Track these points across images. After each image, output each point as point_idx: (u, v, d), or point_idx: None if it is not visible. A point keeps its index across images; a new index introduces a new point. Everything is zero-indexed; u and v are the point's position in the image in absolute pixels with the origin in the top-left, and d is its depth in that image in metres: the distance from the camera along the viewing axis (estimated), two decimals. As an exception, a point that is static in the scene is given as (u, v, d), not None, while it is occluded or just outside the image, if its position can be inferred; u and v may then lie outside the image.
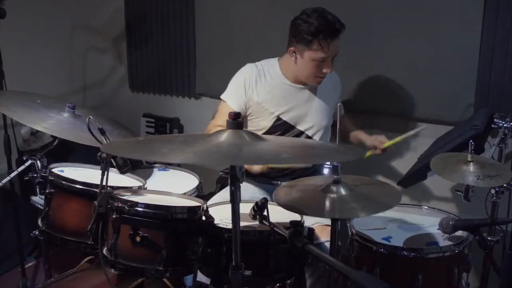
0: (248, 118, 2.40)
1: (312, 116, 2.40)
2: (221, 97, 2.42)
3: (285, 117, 2.37)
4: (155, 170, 2.51)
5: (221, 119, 2.37)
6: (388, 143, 2.35)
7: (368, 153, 2.36)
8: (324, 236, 2.00)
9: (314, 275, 2.01)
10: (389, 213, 2.03)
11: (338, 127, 1.79)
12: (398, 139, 2.36)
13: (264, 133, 2.36)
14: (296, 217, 1.63)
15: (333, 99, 2.47)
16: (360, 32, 2.75)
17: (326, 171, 2.04)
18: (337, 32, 2.20)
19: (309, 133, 2.40)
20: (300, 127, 2.40)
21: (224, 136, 1.32)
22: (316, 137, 2.41)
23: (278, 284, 1.77)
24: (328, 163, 1.93)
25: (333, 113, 2.47)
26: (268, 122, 2.37)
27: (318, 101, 2.41)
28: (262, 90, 2.36)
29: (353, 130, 2.58)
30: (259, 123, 2.38)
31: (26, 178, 2.06)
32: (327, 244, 1.93)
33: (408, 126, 2.82)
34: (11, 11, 2.51)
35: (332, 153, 1.54)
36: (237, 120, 1.35)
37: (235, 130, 1.34)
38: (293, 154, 1.35)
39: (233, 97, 2.38)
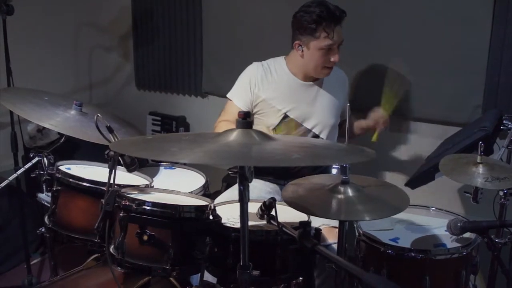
0: (255, 115, 2.39)
1: (319, 114, 2.39)
2: (227, 95, 2.42)
3: (292, 115, 2.36)
4: (162, 168, 2.50)
5: (226, 117, 2.38)
6: (384, 109, 2.36)
7: (375, 136, 2.37)
8: (331, 238, 2.00)
9: (321, 275, 2.00)
10: (397, 214, 2.01)
11: (347, 127, 1.79)
12: (388, 95, 2.35)
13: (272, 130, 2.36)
14: (303, 217, 1.62)
15: (341, 97, 2.46)
16: (368, 32, 2.74)
17: (334, 170, 2.03)
18: (339, 18, 2.21)
19: (316, 131, 2.40)
20: (307, 125, 2.39)
21: (234, 136, 1.31)
22: (323, 135, 2.40)
23: (283, 284, 1.76)
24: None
25: (340, 112, 2.47)
26: (275, 120, 2.37)
27: (326, 98, 2.40)
28: (269, 88, 2.35)
29: (354, 124, 2.58)
30: (266, 121, 2.38)
31: (33, 175, 2.06)
32: (335, 246, 1.92)
33: (415, 127, 2.80)
34: (18, 9, 2.51)
35: (342, 154, 1.53)
36: (246, 119, 1.34)
37: (245, 130, 1.33)
38: (303, 154, 1.33)
39: (238, 96, 2.38)
